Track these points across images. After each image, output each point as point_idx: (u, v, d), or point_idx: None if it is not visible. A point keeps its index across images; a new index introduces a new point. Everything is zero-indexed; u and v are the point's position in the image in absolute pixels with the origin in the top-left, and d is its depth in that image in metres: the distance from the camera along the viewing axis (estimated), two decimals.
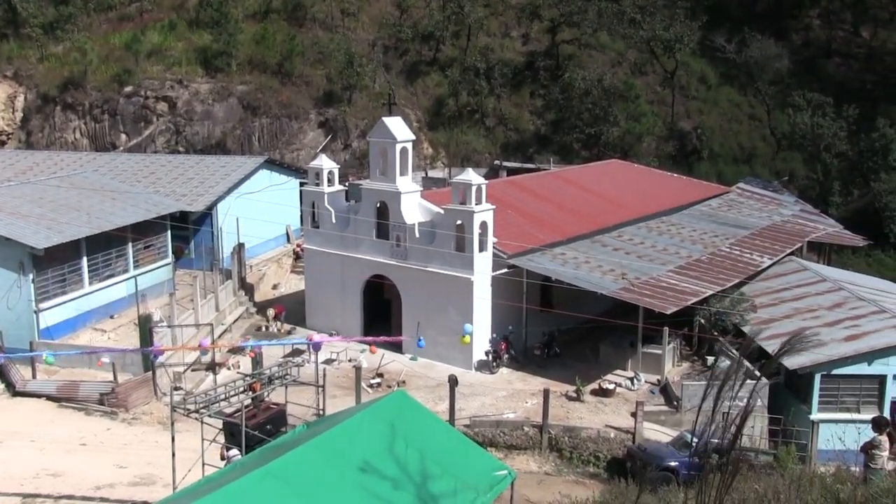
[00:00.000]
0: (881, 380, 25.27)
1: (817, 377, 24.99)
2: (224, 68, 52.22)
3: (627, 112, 51.79)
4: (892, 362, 25.11)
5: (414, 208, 29.87)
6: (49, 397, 25.66)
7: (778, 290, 31.80)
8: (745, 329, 27.82)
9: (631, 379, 27.45)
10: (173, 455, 17.28)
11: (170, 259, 34.68)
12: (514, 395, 26.81)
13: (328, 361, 28.81)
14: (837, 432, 22.01)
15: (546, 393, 24.63)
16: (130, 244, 32.23)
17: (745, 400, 5.93)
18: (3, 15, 57.97)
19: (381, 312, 31.50)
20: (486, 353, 28.63)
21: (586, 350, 29.52)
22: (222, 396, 17.40)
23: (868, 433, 14.53)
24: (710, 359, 28.53)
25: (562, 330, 29.95)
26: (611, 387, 26.79)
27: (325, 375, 22.36)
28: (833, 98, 49.37)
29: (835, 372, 25.02)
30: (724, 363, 6.17)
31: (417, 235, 29.32)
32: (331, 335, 31.68)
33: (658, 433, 24.48)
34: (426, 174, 47.43)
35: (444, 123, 53.67)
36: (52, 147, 50.53)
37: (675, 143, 54.00)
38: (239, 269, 35.27)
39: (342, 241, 31.35)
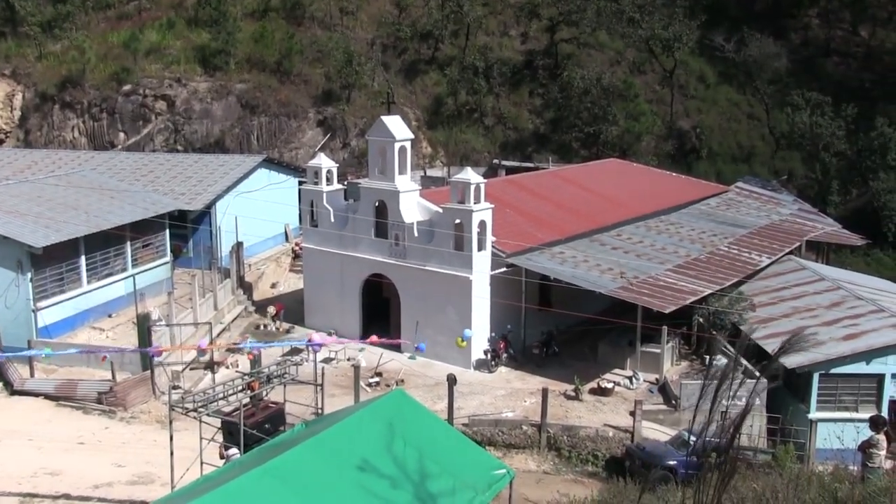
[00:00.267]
0: (879, 379, 25.31)
1: (816, 376, 25.03)
2: (223, 67, 52.18)
3: (626, 111, 51.80)
4: (890, 361, 25.15)
5: (413, 207, 29.86)
6: (47, 396, 25.64)
7: (776, 290, 31.82)
8: (744, 328, 27.84)
9: (629, 378, 27.46)
10: (171, 454, 17.27)
11: (168, 258, 34.65)
12: (512, 394, 26.81)
13: (327, 360, 28.81)
14: (836, 431, 22.09)
15: (545, 392, 24.63)
16: (129, 243, 32.19)
17: (744, 399, 5.92)
18: (1, 13, 57.91)
19: (379, 311, 31.49)
20: (485, 352, 28.62)
21: (585, 349, 29.52)
22: (221, 395, 17.39)
23: (866, 432, 14.53)
24: (709, 358, 28.55)
25: (560, 329, 29.96)
26: (609, 386, 26.80)
27: (323, 374, 22.37)
28: (832, 97, 49.41)
29: (833, 371, 25.05)
30: (721, 361, 6.18)
31: (416, 234, 29.31)
32: (329, 334, 31.70)
33: (657, 432, 24.49)
34: (425, 173, 47.41)
35: (443, 122, 53.66)
36: (50, 146, 50.47)
37: (673, 142, 54.01)
38: (237, 268, 35.25)
39: (341, 240, 31.34)
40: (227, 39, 52.08)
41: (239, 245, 35.73)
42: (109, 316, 30.88)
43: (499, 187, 33.73)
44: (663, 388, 26.99)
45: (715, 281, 29.59)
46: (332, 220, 31.67)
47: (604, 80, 51.39)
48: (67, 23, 54.76)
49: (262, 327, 32.80)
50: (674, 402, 25.75)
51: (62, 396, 25.53)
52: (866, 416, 16.70)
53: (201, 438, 16.91)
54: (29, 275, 27.57)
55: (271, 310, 32.92)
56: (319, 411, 19.40)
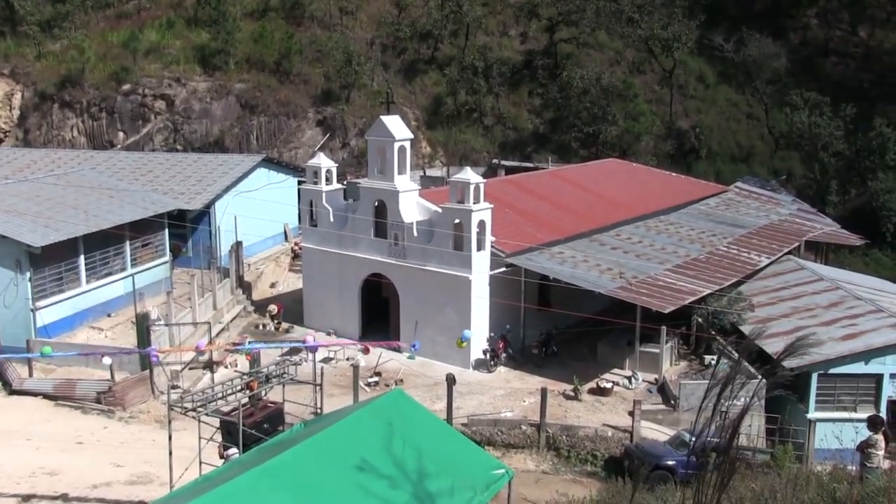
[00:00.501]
0: (878, 379, 25.35)
1: (814, 376, 25.05)
2: (222, 66, 52.16)
3: (625, 111, 51.81)
4: (888, 361, 25.18)
5: (412, 207, 29.86)
6: (46, 396, 25.61)
7: (775, 289, 31.85)
8: (743, 328, 27.85)
9: (629, 378, 27.47)
10: (170, 454, 17.26)
11: (167, 257, 34.63)
12: (511, 393, 26.82)
13: (326, 360, 28.81)
14: (834, 431, 22.12)
15: (544, 392, 24.64)
16: (128, 242, 32.18)
17: (744, 399, 5.93)
18: (0, 12, 57.86)
19: (379, 311, 31.48)
20: (484, 352, 28.63)
21: (584, 349, 29.53)
22: (219, 395, 17.36)
23: (865, 432, 14.55)
24: (708, 358, 28.56)
25: (559, 329, 29.97)
26: (608, 386, 26.80)
27: (322, 374, 22.36)
28: (830, 97, 49.45)
29: (832, 371, 25.08)
30: (725, 366, 6.19)
31: (415, 234, 29.31)
32: (328, 334, 31.72)
33: (655, 432, 24.50)
34: (424, 173, 47.41)
35: (443, 122, 53.66)
36: (49, 145, 50.44)
37: (673, 142, 54.03)
38: (237, 268, 35.24)
39: (340, 240, 31.33)
40: (226, 39, 52.06)
41: (238, 244, 35.72)
42: (108, 315, 30.86)
43: (498, 187, 33.73)
44: (662, 388, 27.01)
45: (714, 281, 29.60)
46: (332, 219, 31.66)
47: (603, 80, 51.40)
48: (67, 22, 54.70)
49: (261, 327, 32.79)
50: (673, 402, 25.76)
51: (61, 396, 25.51)
52: (865, 416, 16.72)
53: (200, 438, 16.90)
54: (28, 274, 27.55)
55: (272, 308, 32.88)
56: (318, 411, 19.38)
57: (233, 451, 16.31)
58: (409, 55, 56.81)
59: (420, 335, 29.05)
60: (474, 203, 27.88)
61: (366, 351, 27.89)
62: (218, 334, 30.69)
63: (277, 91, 51.71)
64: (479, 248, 28.34)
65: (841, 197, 48.02)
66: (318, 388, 20.08)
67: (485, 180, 29.70)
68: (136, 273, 32.05)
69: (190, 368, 27.64)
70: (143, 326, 26.72)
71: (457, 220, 28.35)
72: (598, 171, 41.91)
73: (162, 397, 24.46)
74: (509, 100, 55.63)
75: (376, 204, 30.29)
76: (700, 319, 29.16)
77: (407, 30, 56.09)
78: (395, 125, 30.29)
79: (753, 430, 24.07)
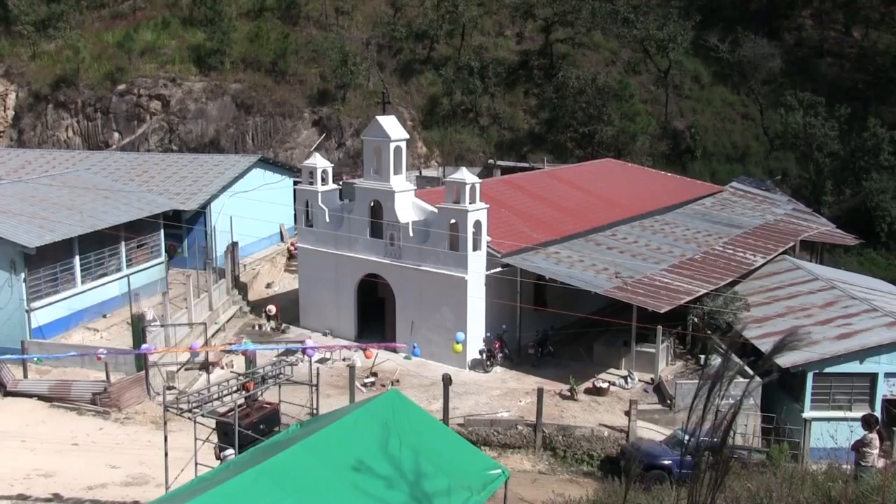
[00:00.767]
0: (872, 378, 25.40)
1: (810, 375, 25.10)
2: (218, 66, 52.10)
3: (621, 111, 51.87)
4: (883, 360, 25.24)
5: (408, 207, 29.85)
6: (41, 397, 25.54)
7: (771, 289, 31.92)
8: (738, 327, 27.89)
9: (625, 378, 27.49)
10: (166, 455, 17.23)
11: (163, 258, 34.58)
12: (508, 393, 26.83)
13: (322, 360, 28.79)
14: (830, 430, 22.16)
15: (540, 392, 24.65)
16: (123, 243, 32.14)
17: (741, 396, 5.94)
18: None
19: (375, 312, 31.47)
20: (480, 352, 28.63)
21: (580, 349, 29.55)
22: (215, 396, 17.35)
23: (860, 431, 14.60)
24: (704, 357, 28.61)
25: (556, 329, 29.99)
26: (604, 385, 26.83)
27: (318, 374, 22.31)
28: (825, 98, 49.57)
29: (827, 370, 25.13)
30: (716, 361, 6.20)
31: (411, 234, 29.31)
32: (325, 335, 31.70)
33: (652, 432, 24.53)
34: (420, 173, 47.42)
35: (438, 122, 53.66)
36: (44, 145, 50.33)
37: (668, 142, 54.12)
38: (232, 268, 35.19)
39: (336, 240, 31.32)
40: (222, 39, 52.00)
41: (234, 245, 35.67)
42: (104, 316, 30.80)
43: (494, 187, 33.75)
44: (658, 388, 27.05)
45: (710, 281, 29.66)
46: (328, 220, 31.65)
47: (599, 81, 51.47)
48: (61, 22, 54.58)
49: (257, 328, 32.76)
50: (669, 401, 25.80)
51: (56, 397, 25.44)
52: (860, 415, 16.78)
53: (196, 439, 16.87)
54: (23, 275, 27.49)
55: (271, 309, 32.82)
56: (314, 412, 19.37)
57: (229, 452, 16.30)
58: (404, 55, 56.81)
59: (416, 335, 29.06)
60: (470, 203, 27.89)
61: (368, 356, 27.90)
62: (214, 335, 30.64)
63: (273, 91, 51.68)
64: (475, 248, 28.36)
65: (836, 197, 48.15)
66: (314, 388, 20.06)
67: (480, 180, 29.71)
68: (131, 274, 32.01)
69: (186, 369, 27.60)
70: (138, 327, 26.67)
71: (453, 221, 28.36)
72: (594, 171, 41.96)
73: (157, 398, 24.42)
74: (505, 100, 55.66)
75: (372, 204, 30.28)
76: (696, 319, 29.21)
77: (403, 30, 56.09)
78: (391, 125, 30.29)
79: (749, 429, 24.14)
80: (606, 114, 50.54)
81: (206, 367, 27.55)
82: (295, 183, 39.31)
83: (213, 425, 17.18)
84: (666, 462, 21.41)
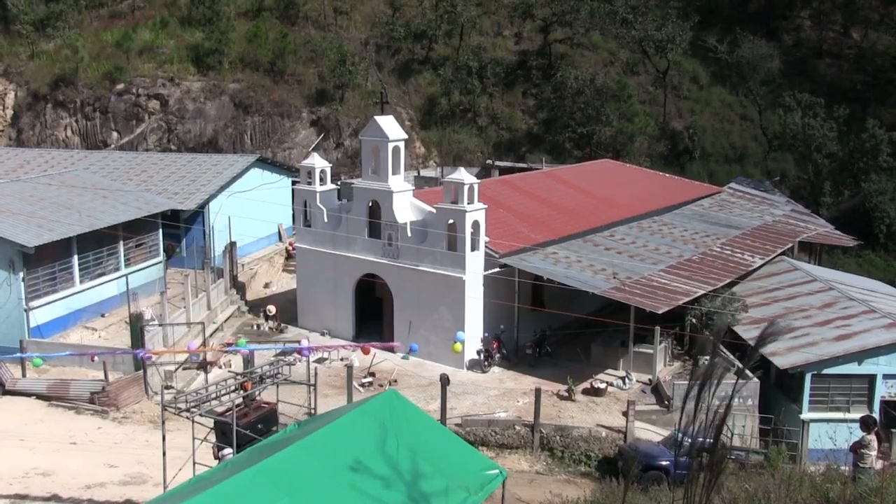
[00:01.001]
0: (871, 379, 25.41)
1: (808, 377, 25.11)
2: (216, 66, 52.08)
3: (619, 112, 51.90)
4: (881, 362, 25.26)
5: (406, 207, 29.86)
6: (39, 396, 25.51)
7: (769, 290, 31.94)
8: (737, 328, 27.92)
9: (622, 378, 27.51)
10: (164, 454, 17.22)
11: (161, 257, 34.55)
12: (505, 394, 26.84)
13: (320, 360, 28.79)
14: (828, 432, 22.18)
15: (538, 392, 24.66)
16: (122, 242, 32.11)
17: (731, 394, 5.94)
18: None
19: (372, 311, 31.47)
20: (478, 353, 28.64)
21: (578, 349, 29.56)
22: (213, 395, 17.33)
23: (859, 433, 14.60)
24: (694, 355, 28.63)
25: (553, 329, 30.00)
26: (602, 386, 26.84)
27: (316, 374, 22.33)
28: (824, 98, 49.57)
29: (825, 371, 25.15)
30: (706, 358, 6.19)
31: (409, 234, 29.31)
32: (322, 335, 31.70)
33: (649, 432, 24.54)
34: (418, 173, 47.42)
35: (437, 122, 53.67)
36: (42, 145, 50.30)
37: (666, 142, 54.15)
38: (231, 268, 35.18)
39: (334, 240, 31.31)
40: (220, 39, 51.99)
41: (232, 245, 35.66)
42: (102, 316, 30.77)
43: (492, 187, 33.76)
44: (656, 389, 27.06)
45: (708, 282, 29.68)
46: (326, 220, 31.64)
47: (597, 81, 51.50)
48: (60, 21, 54.57)
49: (255, 327, 32.74)
50: (666, 402, 25.81)
51: (54, 396, 25.41)
52: (858, 416, 16.78)
53: (194, 439, 16.87)
54: (21, 274, 27.46)
55: (271, 309, 32.78)
56: (312, 411, 19.37)
57: (227, 451, 16.29)
58: (403, 55, 56.81)
59: (414, 335, 29.05)
60: (468, 203, 27.90)
61: (366, 352, 27.82)
62: (212, 334, 30.63)
63: (271, 91, 51.66)
64: (473, 248, 28.36)
65: (834, 198, 48.17)
66: (311, 388, 20.06)
67: (479, 181, 29.71)
68: (129, 273, 31.98)
69: (184, 369, 27.58)
70: (136, 327, 26.65)
71: (451, 221, 28.36)
72: (592, 171, 41.98)
73: (156, 398, 24.40)
74: (503, 100, 55.67)
75: (370, 204, 30.27)
76: (694, 320, 29.22)
77: (401, 30, 56.09)
78: (389, 125, 30.29)
79: (747, 430, 24.17)
80: (605, 114, 50.56)
81: (204, 366, 27.53)
82: (293, 183, 39.31)
83: (211, 425, 17.17)
84: (663, 463, 21.41)
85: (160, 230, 34.17)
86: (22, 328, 27.52)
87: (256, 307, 34.56)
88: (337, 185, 34.11)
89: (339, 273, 31.42)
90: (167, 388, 24.06)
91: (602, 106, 50.66)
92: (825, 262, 41.81)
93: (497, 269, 28.82)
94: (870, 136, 46.85)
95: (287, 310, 33.34)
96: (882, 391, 25.41)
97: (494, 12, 60.68)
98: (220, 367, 27.87)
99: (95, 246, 30.82)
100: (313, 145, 49.78)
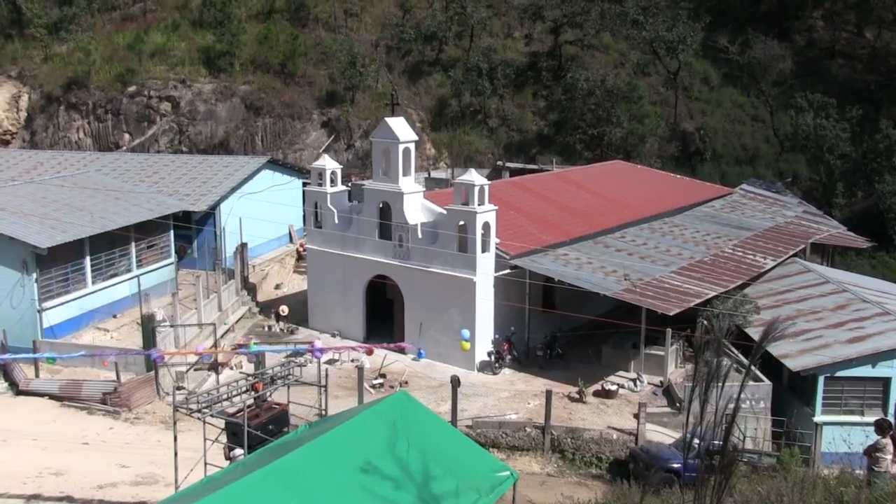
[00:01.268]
0: (885, 382, 25.19)
1: (821, 379, 24.94)
2: (227, 68, 52.29)
3: (630, 113, 51.76)
4: None
5: (416, 209, 29.86)
6: (52, 396, 25.69)
7: (781, 292, 31.74)
8: (749, 330, 27.76)
9: (633, 380, 27.41)
10: (175, 454, 17.28)
11: (172, 259, 34.70)
12: (516, 396, 26.79)
13: (330, 361, 28.83)
14: (842, 435, 22.02)
15: (548, 394, 24.60)
16: (133, 244, 32.27)
17: (738, 394, 5.91)
18: (7, 15, 58.17)
19: (383, 313, 31.49)
20: (489, 354, 28.60)
21: (589, 351, 29.47)
22: (225, 396, 17.38)
23: (875, 436, 14.47)
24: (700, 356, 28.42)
25: (564, 331, 29.92)
26: (613, 388, 26.76)
27: (327, 375, 22.34)
28: (836, 99, 49.26)
29: (838, 374, 24.96)
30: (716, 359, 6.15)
31: (420, 236, 29.31)
32: (333, 336, 31.74)
33: (661, 435, 24.44)
34: (429, 175, 47.43)
35: (447, 124, 53.68)
36: (55, 146, 50.63)
37: (677, 143, 53.93)
38: (242, 269, 35.29)
39: (344, 242, 31.36)
40: (231, 41, 52.21)
41: (243, 246, 35.78)
42: (114, 316, 30.94)
43: (502, 189, 33.73)
44: (667, 391, 26.95)
45: (719, 283, 29.54)
46: (336, 221, 31.69)
47: (608, 82, 51.37)
48: (73, 25, 54.98)
49: (266, 328, 32.83)
50: (678, 404, 25.69)
51: (67, 397, 25.58)
52: (872, 419, 16.64)
53: (205, 439, 16.93)
54: (34, 275, 27.64)
55: (284, 309, 32.84)
56: (323, 412, 19.39)
57: (238, 452, 16.33)
58: (413, 57, 56.87)
59: (424, 337, 29.05)
60: (479, 205, 27.88)
61: (369, 352, 27.88)
62: (223, 336, 30.73)
63: (282, 93, 51.82)
64: (484, 249, 28.33)
65: (847, 199, 47.82)
66: (322, 389, 20.08)
67: (489, 182, 29.68)
68: (141, 274, 32.15)
69: (195, 370, 27.68)
70: (148, 327, 26.77)
71: (461, 222, 28.35)
72: (603, 172, 41.87)
73: (167, 398, 24.50)
74: (514, 101, 55.63)
75: (381, 205, 30.30)
76: (705, 322, 29.05)
77: (411, 31, 56.14)
78: (400, 127, 30.31)
79: (759, 433, 24.02)
80: (615, 115, 50.42)
81: (215, 367, 27.63)
82: (304, 184, 39.40)
83: (223, 426, 17.22)
84: (675, 465, 21.31)
85: (172, 231, 34.32)
86: (35, 329, 27.71)
87: (267, 308, 34.65)
88: (348, 186, 34.16)
89: (349, 274, 31.47)
90: (179, 388, 24.15)
91: (613, 107, 50.53)
92: (838, 263, 41.51)
93: (508, 271, 28.78)
94: (883, 136, 46.51)
95: (298, 311, 33.41)
96: None
97: (505, 14, 60.65)
98: (232, 368, 27.95)
99: (107, 247, 30.99)
100: (324, 147, 49.89)
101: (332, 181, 32.26)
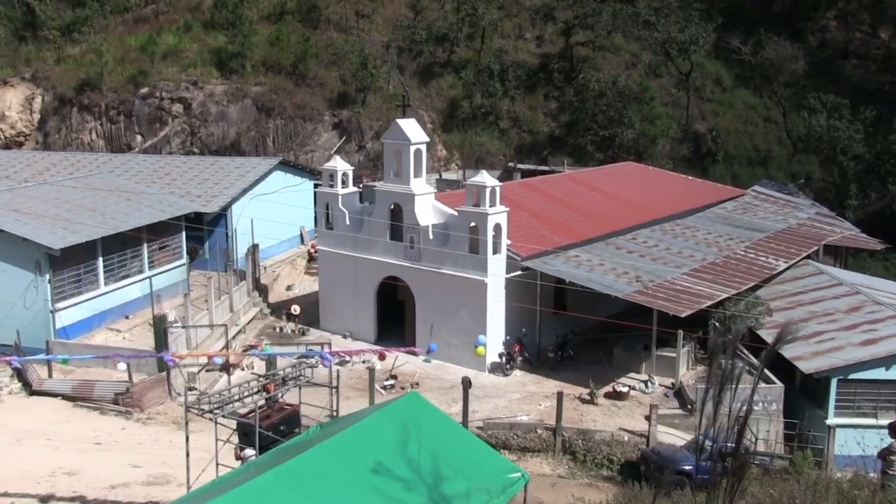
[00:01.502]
0: None
1: (834, 381, 24.80)
2: (239, 70, 52.49)
3: (642, 114, 51.61)
4: None
5: (428, 210, 29.88)
6: (65, 396, 25.86)
7: (794, 294, 31.57)
8: (761, 332, 27.62)
9: (645, 382, 27.32)
10: (187, 455, 17.35)
11: (184, 260, 34.86)
12: (527, 397, 26.75)
13: (342, 362, 28.87)
14: (855, 437, 21.87)
15: (560, 395, 24.56)
16: (145, 245, 32.44)
17: (751, 396, 5.88)
18: (21, 17, 58.62)
19: (394, 314, 31.51)
20: (500, 356, 28.58)
21: (600, 353, 29.39)
22: (236, 397, 17.45)
23: (888, 439, 14.37)
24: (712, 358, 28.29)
25: (575, 332, 29.86)
26: (625, 390, 26.68)
27: (338, 377, 22.38)
28: (850, 100, 48.95)
29: (852, 376, 24.82)
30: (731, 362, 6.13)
31: (431, 237, 29.32)
32: (344, 337, 31.80)
33: (672, 436, 24.35)
34: (440, 176, 47.46)
35: (458, 125, 53.69)
36: (68, 148, 50.95)
37: (689, 145, 53.74)
38: (253, 270, 35.41)
39: (356, 243, 31.41)
40: (243, 42, 52.41)
41: (254, 247, 35.89)
42: (126, 317, 31.10)
43: (514, 190, 33.70)
44: (679, 393, 26.84)
45: (731, 285, 29.40)
46: (348, 222, 31.75)
47: (619, 83, 51.24)
48: (86, 27, 55.31)
49: (278, 330, 32.91)
50: (689, 406, 25.59)
51: (79, 397, 25.74)
52: (886, 422, 16.52)
53: (217, 440, 16.99)
54: (47, 276, 27.83)
55: (296, 308, 32.90)
56: (334, 413, 19.43)
57: (249, 452, 16.38)
58: (424, 58, 56.91)
59: (435, 338, 29.05)
60: (490, 206, 27.86)
61: (381, 358, 27.93)
62: (234, 336, 30.84)
63: (293, 94, 51.96)
64: (495, 251, 28.31)
65: (860, 201, 47.49)
66: (334, 390, 20.12)
67: (500, 183, 29.65)
68: (153, 275, 32.31)
69: (207, 370, 27.79)
70: (160, 328, 26.89)
71: (473, 224, 28.34)
72: (615, 174, 41.76)
73: (179, 399, 24.62)
74: (525, 103, 55.58)
75: (392, 207, 30.33)
76: (717, 324, 28.93)
77: (423, 33, 56.19)
78: (411, 128, 30.33)
79: (772, 435, 23.89)
80: (627, 117, 50.28)
81: (226, 368, 27.72)
82: (315, 185, 39.50)
83: (234, 426, 17.29)
84: (686, 467, 21.23)
85: (183, 233, 34.48)
86: (48, 329, 27.89)
87: (279, 309, 34.74)
88: (359, 187, 34.21)
89: (360, 276, 31.51)
90: (190, 389, 24.25)
91: (624, 108, 50.41)
92: (851, 265, 41.23)
93: (519, 272, 28.76)
94: None
95: (309, 312, 33.48)
96: None
97: (516, 15, 60.61)
98: (243, 369, 28.04)
99: (120, 248, 31.17)
100: (335, 148, 50.00)
101: (344, 182, 32.32)
